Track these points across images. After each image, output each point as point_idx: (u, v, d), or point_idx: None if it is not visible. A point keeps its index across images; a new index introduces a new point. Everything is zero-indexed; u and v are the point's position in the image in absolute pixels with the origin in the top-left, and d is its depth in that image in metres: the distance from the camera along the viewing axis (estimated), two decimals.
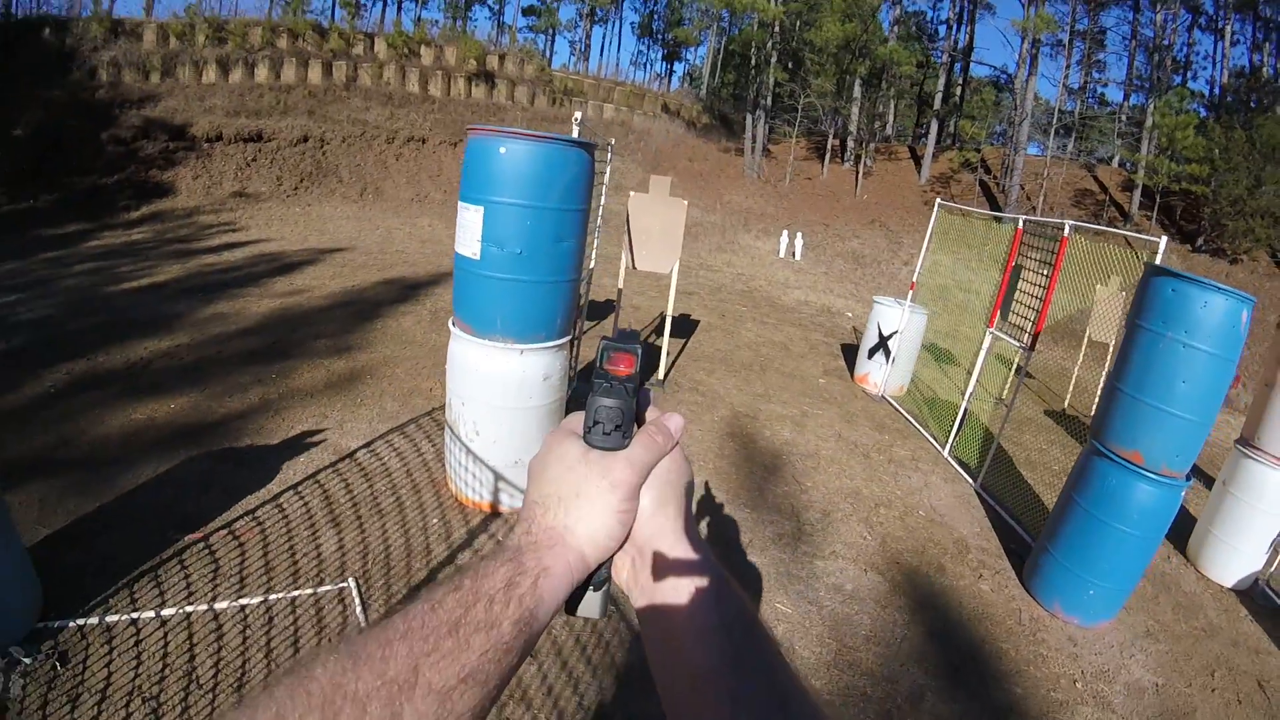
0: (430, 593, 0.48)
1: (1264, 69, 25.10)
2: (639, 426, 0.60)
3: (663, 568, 0.55)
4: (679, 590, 0.54)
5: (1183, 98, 21.43)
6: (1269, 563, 5.33)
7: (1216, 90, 27.75)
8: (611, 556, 0.56)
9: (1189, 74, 30.03)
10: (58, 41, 17.90)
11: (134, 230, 12.18)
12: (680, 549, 0.56)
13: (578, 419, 0.59)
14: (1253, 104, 23.42)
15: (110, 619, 2.99)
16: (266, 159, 16.32)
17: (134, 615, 3.03)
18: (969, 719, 3.42)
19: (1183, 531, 5.77)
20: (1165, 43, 24.75)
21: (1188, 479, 4.05)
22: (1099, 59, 30.39)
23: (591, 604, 0.57)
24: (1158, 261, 4.50)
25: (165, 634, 2.96)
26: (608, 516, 0.54)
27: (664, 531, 0.57)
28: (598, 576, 0.56)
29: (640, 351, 0.59)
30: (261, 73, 19.23)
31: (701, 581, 0.54)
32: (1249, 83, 25.04)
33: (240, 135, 16.30)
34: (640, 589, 0.56)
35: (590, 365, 4.74)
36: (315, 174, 16.79)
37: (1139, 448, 3.97)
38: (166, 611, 3.08)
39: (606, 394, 0.56)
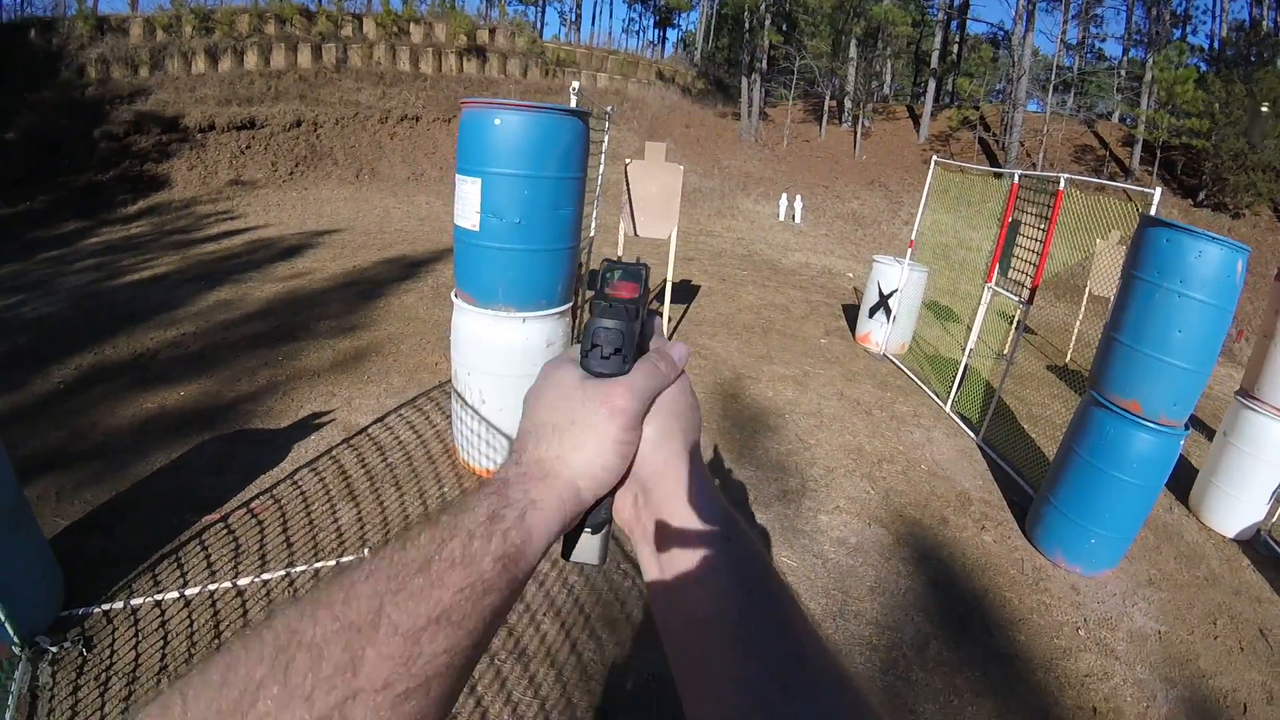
0: (403, 533, 0.44)
1: (1264, 22, 24.78)
2: (642, 355, 0.55)
3: (666, 506, 0.51)
4: (684, 530, 0.50)
5: (1182, 52, 21.16)
6: (1270, 513, 5.39)
7: (1216, 44, 27.46)
8: (611, 494, 0.52)
9: (1188, 28, 29.63)
10: (44, 42, 17.79)
11: (132, 225, 12.19)
12: (686, 486, 0.51)
13: (577, 347, 0.55)
14: (1252, 58, 23.16)
15: (135, 602, 3.03)
16: (260, 145, 16.29)
17: (158, 597, 3.07)
18: (973, 665, 3.49)
19: (1185, 483, 5.83)
20: None
21: (1186, 428, 4.09)
22: (1097, 14, 29.94)
23: (589, 548, 0.53)
24: (1152, 213, 4.53)
25: (190, 614, 3.01)
26: (605, 447, 0.49)
27: (668, 467, 0.52)
28: (595, 516, 0.52)
29: (646, 275, 0.56)
30: (251, 60, 19.11)
31: (709, 521, 0.50)
32: (1248, 36, 24.71)
33: (233, 123, 16.25)
34: (642, 530, 0.52)
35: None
36: (310, 158, 16.76)
37: (1137, 397, 4.02)
38: (190, 591, 3.12)
39: (605, 314, 0.52)
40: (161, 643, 2.86)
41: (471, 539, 0.43)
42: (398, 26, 21.96)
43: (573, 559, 0.53)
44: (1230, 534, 5.42)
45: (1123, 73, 26.81)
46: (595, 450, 0.49)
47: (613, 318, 0.52)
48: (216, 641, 2.89)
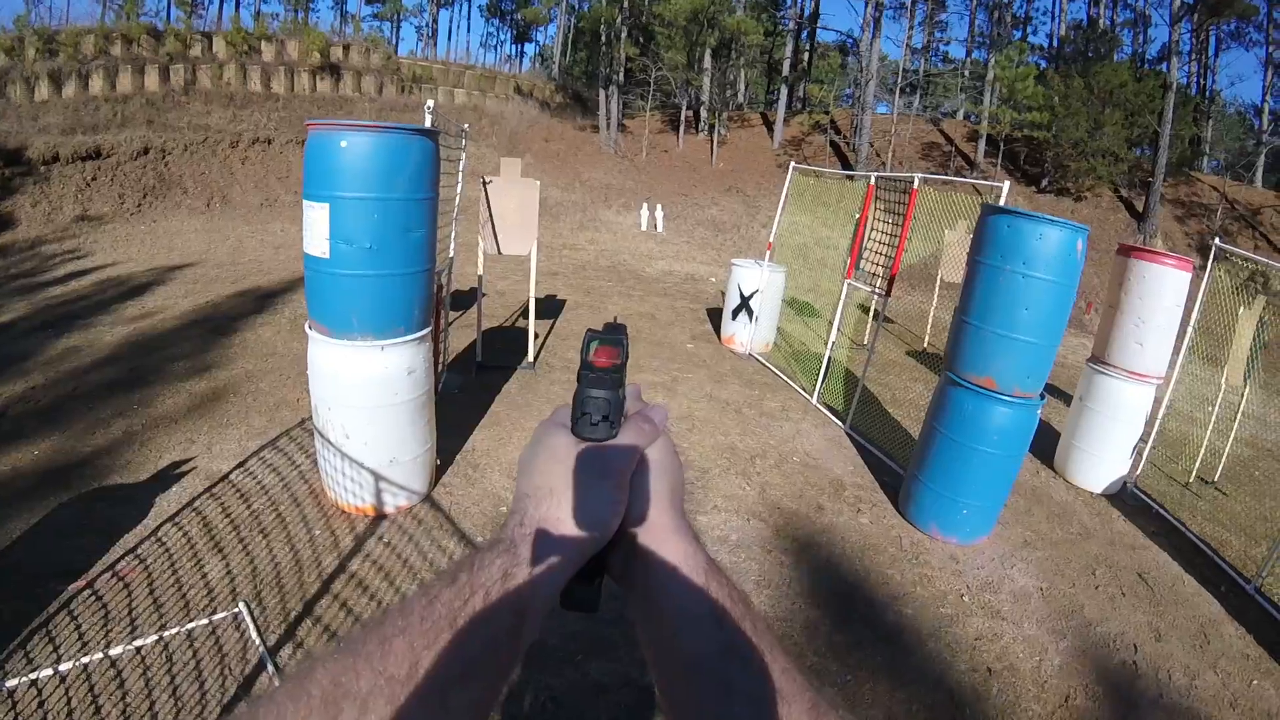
0: (427, 588, 0.48)
1: (1101, 20, 27.01)
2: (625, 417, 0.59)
3: (653, 559, 0.55)
4: (670, 580, 0.53)
5: (1022, 51, 22.80)
6: (1134, 466, 5.82)
7: (1055, 43, 29.79)
8: (604, 548, 0.56)
9: (1029, 29, 32.14)
10: None
11: None
12: (671, 539, 0.56)
13: (565, 412, 0.59)
14: (1089, 54, 25.15)
15: (10, 684, 2.81)
16: (107, 176, 15.13)
17: (33, 675, 2.86)
18: (864, 644, 3.61)
19: (1048, 447, 6.23)
20: (1005, 0, 26.23)
21: (1041, 398, 4.37)
22: (941, 19, 32.09)
23: (584, 598, 0.57)
24: (1002, 203, 4.80)
25: (67, 690, 2.82)
26: (599, 507, 0.54)
27: (654, 521, 0.56)
28: (589, 569, 0.56)
29: (626, 343, 0.60)
30: (96, 84, 17.72)
31: (692, 571, 0.54)
32: (1086, 34, 26.86)
33: (78, 154, 14.99)
34: (632, 580, 0.56)
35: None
36: (158, 187, 15.71)
37: (991, 373, 4.26)
38: (64, 666, 2.92)
39: (593, 385, 0.56)
40: None
41: (490, 596, 0.47)
42: (249, 45, 20.89)
43: (569, 608, 0.56)
44: (1097, 490, 5.84)
45: (966, 73, 28.73)
46: (590, 511, 0.54)
47: (600, 387, 0.57)
48: (98, 717, 2.68)
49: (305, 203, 3.60)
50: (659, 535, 0.56)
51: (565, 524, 0.53)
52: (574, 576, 0.54)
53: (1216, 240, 5.88)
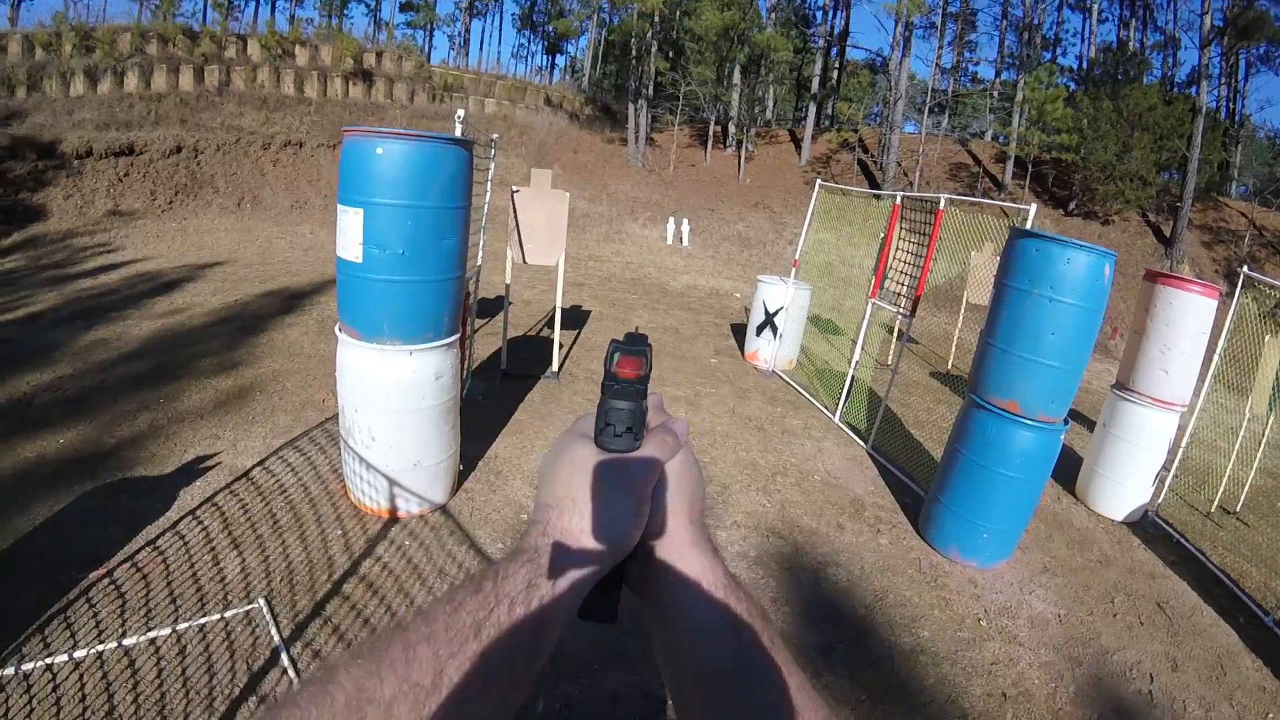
0: (451, 595, 0.48)
1: (1130, 43, 26.83)
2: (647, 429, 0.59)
3: (672, 571, 0.55)
4: (688, 594, 0.54)
5: (1052, 73, 22.69)
6: (1155, 494, 5.75)
7: (1085, 64, 29.59)
8: (623, 560, 0.56)
9: (1059, 50, 32.01)
10: None
11: (6, 259, 11.38)
12: (690, 553, 0.56)
13: (587, 422, 0.59)
14: (1119, 76, 24.98)
15: (26, 667, 2.86)
16: (139, 173, 15.39)
17: (49, 661, 2.91)
18: (880, 664, 3.58)
19: (1070, 473, 6.17)
20: (1035, 21, 26.21)
21: (1065, 423, 4.34)
22: (970, 39, 32.00)
23: (602, 608, 0.57)
24: (1028, 226, 4.78)
25: (81, 676, 2.86)
26: (622, 519, 0.54)
27: (674, 534, 0.57)
28: (608, 580, 0.56)
29: (650, 354, 0.59)
30: (131, 81, 18.06)
31: (711, 585, 0.54)
32: (1115, 56, 26.69)
33: (111, 149, 15.28)
34: (650, 592, 0.56)
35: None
36: (190, 186, 15.96)
37: (1015, 397, 4.23)
38: (79, 654, 2.96)
39: (617, 396, 0.57)
40: (55, 709, 2.69)
41: (514, 606, 0.48)
42: (282, 48, 21.23)
43: (588, 619, 0.56)
44: (1118, 517, 5.76)
45: (995, 94, 28.56)
46: (612, 523, 0.54)
47: (624, 399, 0.57)
48: (109, 705, 2.71)
49: (340, 207, 3.65)
50: (678, 548, 0.56)
51: (587, 536, 0.53)
52: (593, 587, 0.54)
53: (1245, 268, 5.83)
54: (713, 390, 7.48)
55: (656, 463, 0.57)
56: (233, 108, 18.97)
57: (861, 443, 6.51)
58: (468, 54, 39.10)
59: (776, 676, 0.49)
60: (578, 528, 0.53)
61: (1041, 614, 4.25)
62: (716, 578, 0.55)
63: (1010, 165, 22.23)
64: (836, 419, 6.98)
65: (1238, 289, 5.68)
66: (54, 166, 14.63)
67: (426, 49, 37.10)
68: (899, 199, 6.68)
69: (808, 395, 7.67)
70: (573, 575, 0.51)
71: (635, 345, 0.59)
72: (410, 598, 3.58)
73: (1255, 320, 5.97)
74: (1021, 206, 5.41)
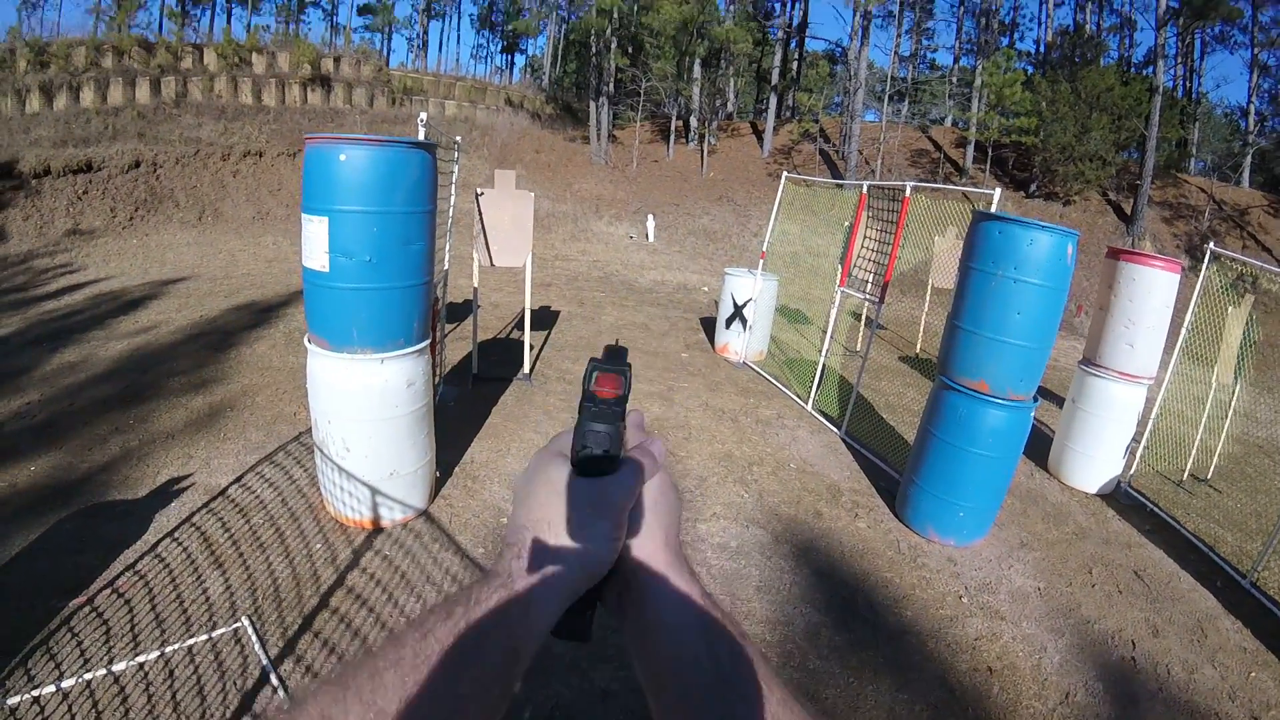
0: (422, 621, 0.47)
1: (1087, 26, 27.25)
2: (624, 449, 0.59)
3: (650, 594, 0.55)
4: (665, 616, 0.53)
5: (1010, 57, 23.02)
6: (1127, 465, 5.87)
7: (1042, 48, 30.09)
8: (599, 582, 0.55)
9: (1016, 35, 32.49)
10: None
11: None
12: (667, 574, 0.56)
13: (565, 440, 0.58)
14: (1077, 59, 25.36)
15: (11, 701, 2.80)
16: (98, 190, 15.07)
17: (35, 693, 2.85)
18: (866, 646, 3.63)
19: (1042, 449, 6.27)
20: (992, 7, 26.55)
21: (1034, 400, 4.41)
22: (928, 26, 32.40)
23: (577, 629, 0.56)
24: (993, 210, 4.85)
25: (70, 707, 2.81)
26: (598, 542, 0.53)
27: (651, 558, 0.56)
28: (584, 601, 0.55)
29: (629, 373, 0.59)
30: (87, 96, 17.69)
31: (687, 607, 0.54)
32: (1072, 39, 27.10)
33: (69, 167, 14.92)
34: (628, 614, 0.56)
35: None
36: (150, 201, 15.65)
37: (984, 377, 4.30)
38: (66, 683, 2.91)
39: (595, 419, 0.56)
40: None
41: (485, 636, 0.47)
42: (240, 57, 20.90)
43: (562, 638, 0.56)
44: (1092, 490, 5.88)
45: (954, 80, 28.87)
46: (588, 547, 0.53)
47: (602, 421, 0.56)
48: None
49: (304, 216, 3.61)
50: (655, 569, 0.56)
51: (563, 559, 0.53)
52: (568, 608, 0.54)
53: (1210, 245, 5.95)
54: (685, 384, 7.52)
55: (635, 486, 0.57)
56: (190, 119, 18.66)
57: (835, 429, 6.58)
58: (426, 56, 38.90)
59: (757, 696, 0.49)
60: (553, 551, 0.53)
61: (1021, 588, 4.32)
62: (692, 599, 0.55)
63: (971, 150, 22.53)
64: (809, 407, 7.05)
65: (1204, 263, 5.80)
66: (12, 187, 14.29)
67: (385, 52, 36.88)
68: (865, 188, 6.75)
69: (779, 385, 7.74)
70: (547, 600, 0.51)
71: (614, 364, 0.59)
72: (397, 606, 3.56)
73: (1218, 292, 6.10)
74: (986, 191, 5.48)
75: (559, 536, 0.53)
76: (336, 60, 22.96)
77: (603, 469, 0.56)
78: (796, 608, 3.87)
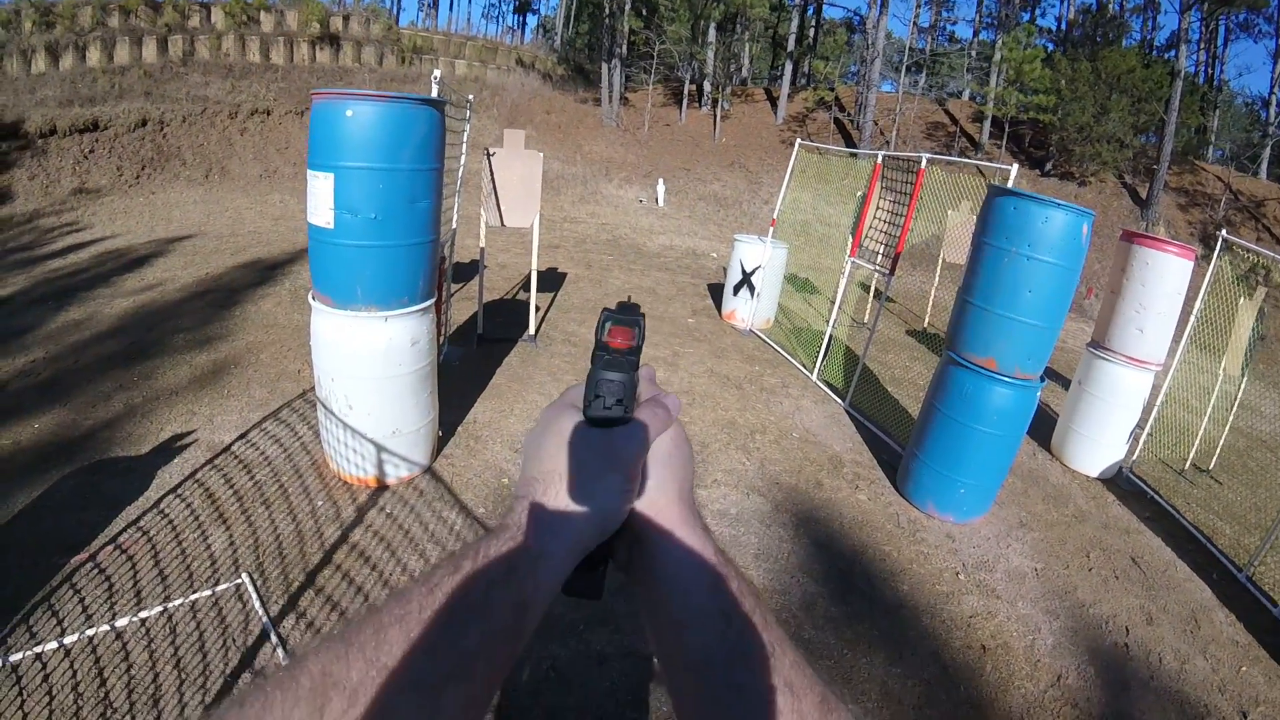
0: (428, 575, 0.46)
1: (1109, 5, 26.78)
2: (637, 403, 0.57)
3: (662, 550, 0.53)
4: (678, 574, 0.52)
5: (1030, 33, 22.59)
6: (1130, 451, 5.85)
7: (1064, 26, 29.52)
8: (610, 536, 0.54)
9: (1037, 10, 31.82)
10: None
11: None
12: (679, 531, 0.54)
13: (576, 392, 0.57)
14: (1098, 39, 24.93)
15: (14, 658, 2.82)
16: (105, 148, 14.98)
17: (38, 649, 2.87)
18: (861, 619, 3.65)
19: (1046, 430, 6.26)
20: None
21: (1042, 380, 4.38)
22: None
23: (588, 584, 0.55)
24: (1010, 186, 4.79)
25: (72, 663, 2.83)
26: (609, 495, 0.52)
27: (663, 513, 0.55)
28: (594, 557, 0.54)
29: (643, 324, 0.57)
30: (94, 56, 17.49)
31: (701, 565, 0.52)
32: (1094, 18, 26.63)
33: (75, 126, 14.83)
34: (639, 571, 0.54)
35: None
36: (156, 159, 15.55)
37: (992, 354, 4.27)
38: (68, 639, 2.93)
39: (608, 367, 0.54)
40: (48, 699, 2.66)
41: (491, 588, 0.46)
42: (247, 15, 20.59)
43: (572, 595, 0.54)
44: (1093, 473, 5.87)
45: (973, 53, 28.39)
46: (599, 500, 0.52)
47: (615, 370, 0.54)
48: (103, 690, 2.70)
49: (309, 172, 3.57)
50: (667, 526, 0.54)
51: (573, 513, 0.51)
52: (579, 563, 0.53)
53: (1223, 232, 5.87)
54: (691, 350, 7.50)
55: (647, 438, 0.55)
56: (198, 78, 18.50)
57: (839, 400, 6.57)
58: (437, 15, 38.28)
59: (770, 656, 0.48)
60: (563, 505, 0.51)
61: (1019, 568, 4.33)
62: (706, 557, 0.53)
63: (987, 125, 22.18)
64: (814, 377, 7.04)
65: (1216, 251, 5.73)
66: (18, 147, 14.23)
67: (395, 10, 36.08)
68: (880, 158, 6.67)
69: (785, 354, 7.72)
70: (557, 554, 0.49)
71: (628, 314, 0.57)
72: (400, 564, 3.58)
73: (1230, 283, 6.03)
74: (1002, 166, 5.41)
75: (570, 490, 0.52)
76: (345, 18, 22.66)
77: (614, 420, 0.54)
78: (794, 577, 3.88)
